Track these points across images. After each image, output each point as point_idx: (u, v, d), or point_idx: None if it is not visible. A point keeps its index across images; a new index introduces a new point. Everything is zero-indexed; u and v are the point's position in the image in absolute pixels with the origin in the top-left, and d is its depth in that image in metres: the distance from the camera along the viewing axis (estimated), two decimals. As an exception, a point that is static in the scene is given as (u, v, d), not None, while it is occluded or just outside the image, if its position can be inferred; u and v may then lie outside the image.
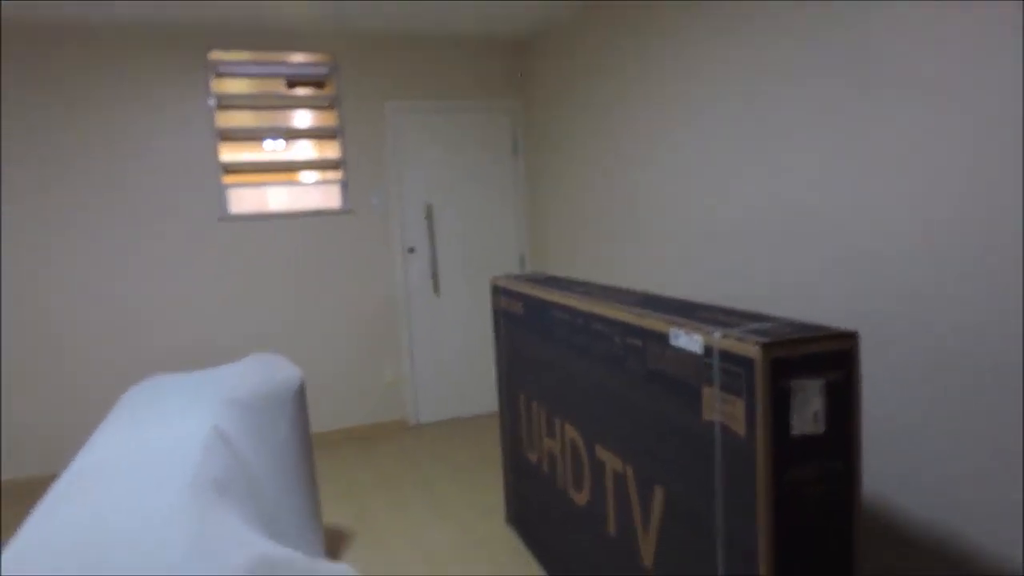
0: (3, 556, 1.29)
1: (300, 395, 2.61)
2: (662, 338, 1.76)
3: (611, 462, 2.09)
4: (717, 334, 1.55)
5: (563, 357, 2.38)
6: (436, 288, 4.54)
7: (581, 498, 2.33)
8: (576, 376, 2.29)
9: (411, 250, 4.48)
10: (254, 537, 1.31)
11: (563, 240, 4.39)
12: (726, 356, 1.52)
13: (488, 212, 4.66)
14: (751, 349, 1.44)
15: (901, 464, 2.33)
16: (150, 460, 1.66)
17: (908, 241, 2.23)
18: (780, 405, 1.43)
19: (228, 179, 4.13)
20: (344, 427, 4.43)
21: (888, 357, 2.31)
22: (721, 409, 1.55)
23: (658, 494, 1.84)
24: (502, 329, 2.99)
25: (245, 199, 4.22)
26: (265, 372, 2.53)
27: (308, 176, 4.37)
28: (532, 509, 2.82)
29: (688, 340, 1.66)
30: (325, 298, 4.34)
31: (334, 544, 3.05)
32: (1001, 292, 1.97)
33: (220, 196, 4.08)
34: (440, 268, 4.54)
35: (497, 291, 3.00)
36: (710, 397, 1.59)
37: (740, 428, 1.49)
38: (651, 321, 1.81)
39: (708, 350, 1.58)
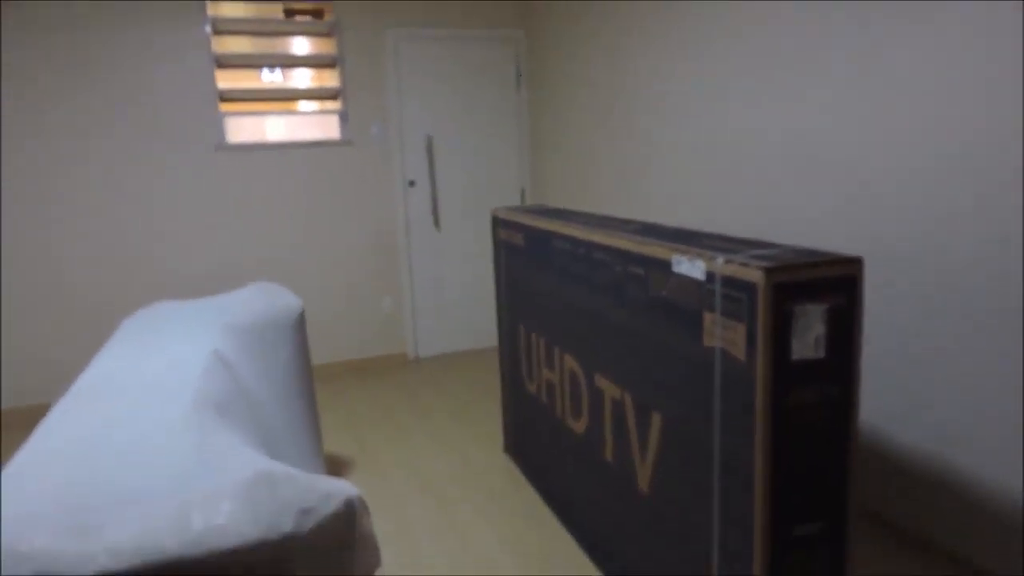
0: (5, 468, 1.30)
1: (300, 323, 2.61)
2: (664, 265, 1.75)
3: (609, 390, 2.11)
4: (720, 260, 1.54)
5: (563, 288, 2.37)
6: (436, 222, 4.50)
7: (579, 426, 2.35)
8: (576, 306, 2.29)
9: (411, 183, 4.43)
10: (255, 455, 1.32)
11: (565, 174, 4.33)
12: (728, 282, 1.51)
13: (489, 145, 4.59)
14: (754, 274, 1.42)
15: (900, 394, 2.34)
16: (151, 381, 1.67)
17: (917, 170, 2.19)
18: (781, 330, 1.43)
19: (225, 107, 4.05)
20: (343, 360, 4.47)
21: (893, 287, 2.31)
22: (722, 335, 1.55)
23: (656, 421, 1.86)
24: (502, 261, 2.97)
25: (243, 129, 4.15)
26: (266, 300, 2.53)
27: (306, 106, 4.29)
28: (530, 438, 2.86)
29: (690, 266, 1.64)
30: (324, 230, 4.31)
31: (334, 472, 3.11)
32: (1008, 225, 1.94)
33: (217, 125, 4.01)
34: (440, 201, 4.50)
35: (498, 223, 2.98)
36: (711, 323, 1.58)
37: (740, 353, 1.49)
38: (653, 248, 1.79)
39: (710, 276, 1.57)
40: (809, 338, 1.45)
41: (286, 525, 1.08)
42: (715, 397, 1.59)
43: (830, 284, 1.45)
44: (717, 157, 3.03)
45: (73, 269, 3.87)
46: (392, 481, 3.00)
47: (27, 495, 1.15)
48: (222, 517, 1.07)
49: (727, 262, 1.51)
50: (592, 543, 2.33)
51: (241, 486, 1.12)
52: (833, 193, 2.48)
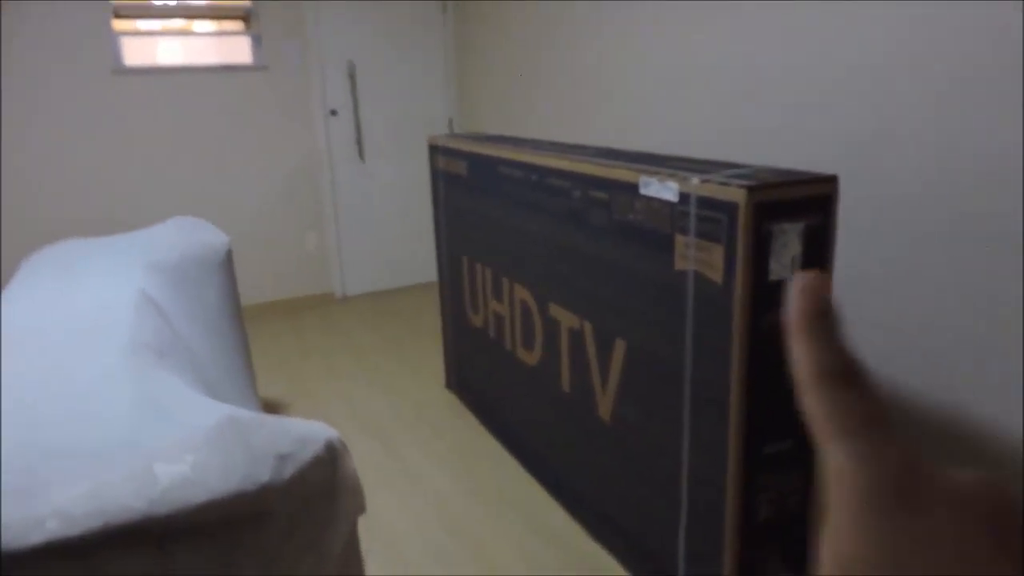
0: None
1: (228, 261, 2.42)
2: (631, 188, 1.69)
3: (567, 320, 2.06)
4: (695, 180, 1.49)
5: (513, 216, 2.28)
6: (361, 153, 4.28)
7: (532, 358, 2.31)
8: (528, 235, 2.21)
9: (333, 112, 4.17)
10: (212, 401, 1.20)
11: (497, 102, 4.18)
12: (705, 202, 1.46)
13: (414, 71, 4.36)
14: (735, 193, 1.38)
15: (876, 316, 2.40)
16: (76, 326, 1.49)
17: (892, 81, 2.19)
18: (760, 250, 1.40)
19: (120, 25, 3.65)
20: (268, 300, 4.25)
21: (864, 207, 2.34)
22: (696, 257, 1.51)
23: (619, 348, 1.83)
24: (442, 191, 2.85)
25: (143, 51, 3.76)
26: (189, 236, 2.32)
27: (216, 27, 3.92)
28: (475, 373, 2.81)
29: (661, 188, 1.58)
30: (240, 163, 4.02)
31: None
32: (998, 135, 1.97)
33: (112, 45, 3.61)
34: (364, 132, 4.27)
35: (436, 151, 2.83)
36: (684, 246, 1.54)
37: (717, 275, 1.46)
38: (619, 171, 1.72)
39: (684, 197, 1.52)
40: (786, 258, 1.43)
41: (263, 474, 0.98)
42: (687, 321, 1.56)
43: (807, 203, 1.43)
44: (669, 80, 2.97)
45: (-47, 208, 3.47)
46: (332, 421, 2.89)
47: (-52, 457, 1.00)
48: (190, 469, 0.95)
49: (704, 182, 1.46)
50: (546, 473, 2.32)
51: (208, 435, 1.01)
52: (802, 107, 2.47)
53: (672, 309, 1.61)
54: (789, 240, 1.42)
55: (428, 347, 3.64)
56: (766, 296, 1.43)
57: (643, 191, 1.64)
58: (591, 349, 1.95)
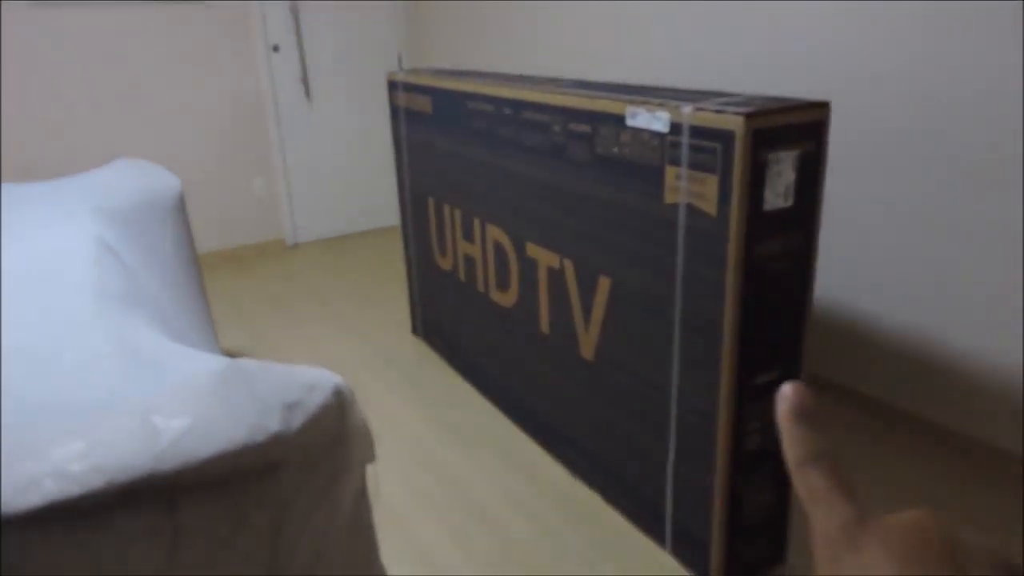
0: None
1: (180, 205, 2.29)
2: (616, 120, 1.64)
3: (545, 259, 2.03)
4: (688, 109, 1.45)
5: (484, 153, 2.21)
6: (307, 92, 4.08)
7: (507, 299, 2.28)
8: (501, 172, 2.15)
9: (275, 48, 3.95)
10: (188, 348, 1.12)
11: (452, 34, 4.02)
12: (698, 132, 1.43)
13: (360, 3, 4.14)
14: (732, 121, 1.35)
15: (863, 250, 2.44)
16: (35, 277, 1.37)
17: (882, 6, 2.17)
18: (756, 180, 1.38)
19: (35, -47, 3.33)
20: (214, 249, 4.08)
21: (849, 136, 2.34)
22: (688, 189, 1.48)
23: (603, 286, 1.81)
24: (403, 129, 2.74)
25: (61, -20, 3.46)
26: (138, 180, 2.18)
27: (140, -46, 3.62)
28: (444, 318, 2.76)
29: (650, 118, 1.54)
30: (178, 104, 3.78)
31: (231, 366, 2.87)
32: (997, 61, 1.97)
33: (28, -25, 3.30)
34: (310, 69, 4.07)
35: (396, 87, 2.71)
36: (675, 178, 1.51)
37: (710, 207, 1.44)
38: (603, 103, 1.67)
39: (676, 127, 1.48)
40: (780, 187, 1.41)
41: (272, 424, 0.92)
42: (678, 255, 1.55)
43: (800, 130, 1.41)
44: (634, 7, 2.89)
45: None
46: (298, 372, 2.81)
47: (-85, 420, 0.91)
48: (194, 421, 0.89)
49: (698, 111, 1.43)
50: (524, 414, 2.32)
51: (210, 384, 0.94)
52: (785, 33, 2.43)
53: (661, 243, 1.59)
54: (784, 169, 1.40)
55: (391, 293, 3.57)
56: (761, 226, 1.42)
57: (630, 123, 1.60)
58: (572, 288, 1.93)
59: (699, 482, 1.64)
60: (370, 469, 2.12)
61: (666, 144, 1.52)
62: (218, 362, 0.99)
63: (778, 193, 1.41)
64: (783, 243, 1.46)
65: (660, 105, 1.52)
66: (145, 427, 0.88)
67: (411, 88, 2.59)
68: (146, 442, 0.86)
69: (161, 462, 0.86)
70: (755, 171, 1.37)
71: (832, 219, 2.32)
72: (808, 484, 0.29)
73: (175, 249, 2.19)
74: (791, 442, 0.30)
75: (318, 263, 4.03)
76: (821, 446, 0.29)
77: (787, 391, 0.30)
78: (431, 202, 2.65)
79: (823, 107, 1.42)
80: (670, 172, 1.52)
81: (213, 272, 3.97)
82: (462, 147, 2.33)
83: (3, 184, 2.09)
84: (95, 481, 0.83)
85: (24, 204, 1.86)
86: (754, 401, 1.55)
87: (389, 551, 1.86)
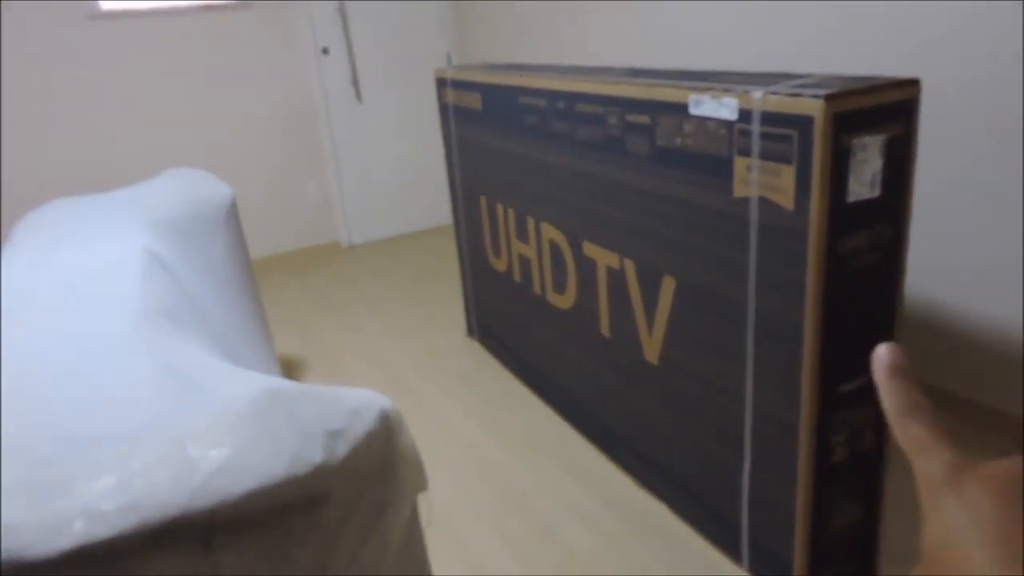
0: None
1: (233, 213, 2.26)
2: (678, 109, 1.52)
3: (604, 259, 1.92)
4: (758, 94, 1.32)
5: (537, 149, 2.12)
6: (358, 94, 4.06)
7: (564, 301, 2.18)
8: (555, 169, 2.05)
9: (325, 51, 3.93)
10: (245, 371, 1.07)
11: (496, 31, 3.94)
12: (771, 119, 1.30)
13: (408, 5, 4.09)
14: (810, 105, 1.22)
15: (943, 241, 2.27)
16: (80, 293, 1.35)
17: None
18: (838, 168, 1.25)
19: (91, -32, 3.39)
20: (271, 254, 4.10)
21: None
22: (760, 181, 1.36)
23: (667, 287, 1.69)
24: (453, 128, 2.66)
25: (116, -6, 3.51)
26: (189, 189, 2.16)
27: (190, -37, 3.65)
28: (500, 320, 2.68)
29: (716, 106, 1.42)
30: (229, 110, 3.81)
31: (289, 374, 2.86)
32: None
33: (84, -10, 3.36)
34: (360, 71, 4.04)
35: (444, 84, 2.64)
36: (745, 169, 1.39)
37: (787, 200, 1.31)
38: (663, 91, 1.55)
39: (745, 114, 1.36)
40: (866, 175, 1.28)
41: (315, 454, 0.85)
42: (750, 253, 1.42)
43: (888, 112, 1.27)
44: (679, -4, 2.75)
45: (-66, 175, 3.28)
46: (353, 375, 2.78)
47: (-49, 453, 0.87)
48: (231, 452, 0.83)
49: (769, 95, 1.30)
50: (585, 420, 2.22)
51: (247, 411, 0.88)
52: (846, 15, 2.27)
53: (730, 240, 1.46)
54: (870, 155, 1.27)
55: (445, 294, 3.51)
56: (844, 220, 1.28)
57: (693, 111, 1.48)
58: (634, 289, 1.82)
59: (778, 496, 1.52)
60: (421, 495, 2.05)
61: (734, 133, 1.39)
62: (257, 386, 0.93)
63: (863, 182, 1.28)
64: (869, 237, 1.33)
65: (727, 91, 1.39)
66: (180, 459, 0.82)
67: (460, 84, 2.51)
68: (181, 476, 0.80)
69: (196, 499, 0.79)
70: (837, 159, 1.24)
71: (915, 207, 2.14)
72: (909, 434, 0.30)
73: (228, 257, 2.17)
74: (890, 396, 0.31)
75: (372, 265, 4.01)
76: (920, 398, 0.31)
77: (882, 351, 0.32)
78: (483, 201, 2.57)
79: (913, 85, 1.28)
80: (739, 163, 1.40)
81: (269, 277, 3.99)
82: (513, 143, 2.24)
83: (60, 199, 2.10)
84: (127, 521, 0.77)
85: (80, 219, 1.86)
86: (838, 411, 1.42)
87: (441, 561, 1.79)
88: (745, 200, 1.41)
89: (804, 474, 1.44)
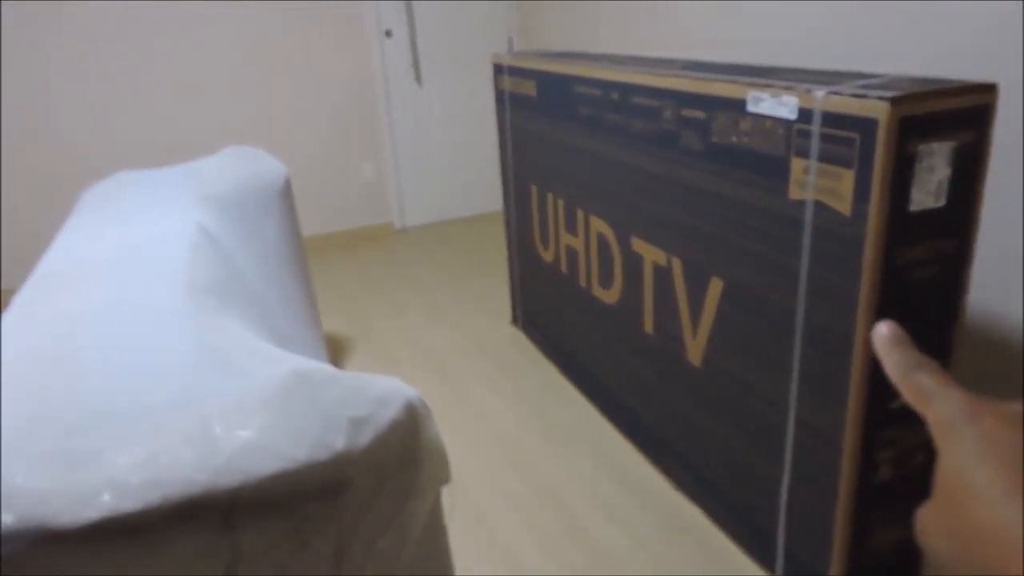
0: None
1: (287, 192, 2.30)
2: (735, 105, 1.47)
3: (651, 255, 1.88)
4: (820, 92, 1.26)
5: (590, 140, 2.08)
6: (418, 77, 4.07)
7: (610, 296, 2.14)
8: (607, 161, 2.01)
9: (388, 33, 3.95)
10: (279, 351, 1.08)
11: (561, 17, 3.89)
12: (833, 119, 1.24)
13: (472, -13, 4.08)
14: (875, 107, 1.15)
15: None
16: (130, 262, 1.38)
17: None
18: (901, 175, 1.18)
19: (165, -55, 3.47)
20: (325, 232, 4.17)
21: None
22: (818, 184, 1.30)
23: (714, 288, 1.65)
24: (508, 114, 2.64)
25: (188, -29, 3.59)
26: (245, 167, 2.20)
27: (260, -58, 3.71)
28: (544, 311, 2.66)
29: (775, 104, 1.36)
30: (291, 90, 3.86)
31: (333, 353, 2.91)
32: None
33: (158, -34, 3.44)
34: (421, 55, 4.05)
35: (501, 71, 2.62)
36: (802, 171, 1.33)
37: (844, 206, 1.25)
38: (721, 86, 1.50)
39: (805, 114, 1.30)
40: (931, 184, 1.21)
41: (337, 440, 0.85)
42: (802, 258, 1.37)
43: (958, 117, 1.20)
44: (747, -13, 2.65)
45: (20, 141, 3.43)
46: (396, 359, 2.81)
47: (-5, 416, 0.90)
48: (255, 434, 0.84)
49: (832, 94, 1.24)
50: (624, 417, 2.19)
51: (274, 393, 0.88)
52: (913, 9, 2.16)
53: (783, 244, 1.41)
54: (936, 163, 1.20)
55: (492, 281, 3.51)
56: (904, 229, 1.22)
57: (751, 108, 1.42)
58: (680, 288, 1.77)
59: (818, 510, 1.47)
60: (445, 489, 2.06)
61: (793, 133, 1.34)
62: (287, 369, 0.93)
63: (928, 191, 1.21)
64: (931, 249, 1.26)
65: (787, 88, 1.33)
66: (205, 437, 0.83)
67: (516, 71, 2.48)
68: (205, 454, 0.81)
69: (219, 477, 0.80)
70: (901, 165, 1.17)
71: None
72: (920, 384, 0.31)
73: (280, 235, 2.21)
74: (894, 360, 0.32)
75: (423, 248, 4.04)
76: (923, 358, 0.32)
77: (882, 327, 0.34)
78: (534, 190, 2.55)
79: (990, 90, 1.20)
80: (796, 164, 1.34)
81: (320, 256, 4.05)
82: (566, 133, 2.21)
83: (121, 172, 2.17)
84: (152, 495, 0.78)
85: (137, 192, 1.91)
86: (886, 428, 1.36)
87: (468, 550, 1.79)
88: (800, 203, 1.35)
89: (846, 490, 1.39)
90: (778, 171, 1.39)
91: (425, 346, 2.90)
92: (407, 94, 4.08)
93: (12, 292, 3.60)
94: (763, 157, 1.42)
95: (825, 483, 1.43)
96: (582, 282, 2.31)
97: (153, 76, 3.57)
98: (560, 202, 2.36)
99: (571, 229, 2.32)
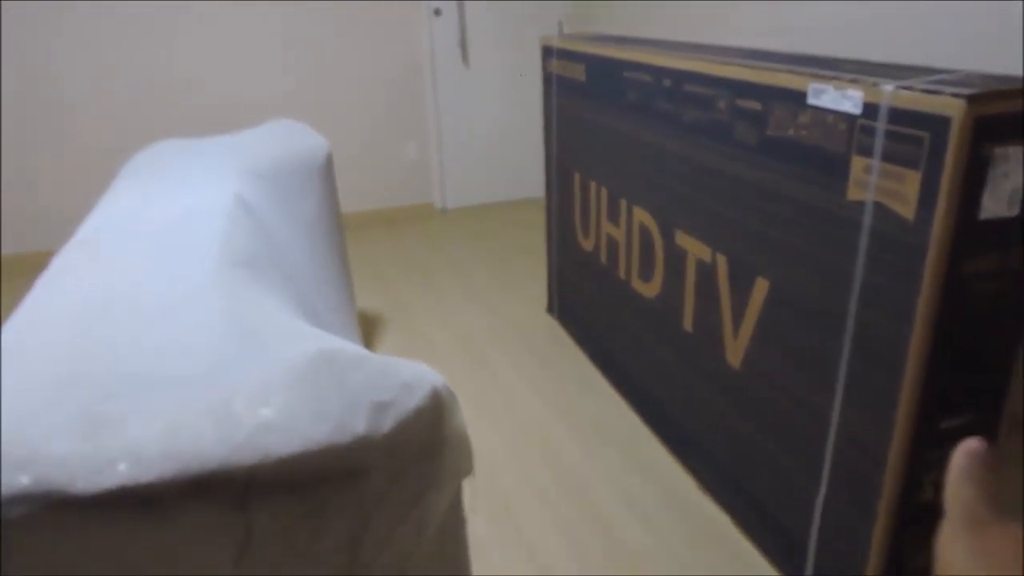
0: (4, 329, 1.04)
1: (328, 167, 2.28)
2: (795, 97, 1.40)
3: (696, 250, 1.81)
4: (888, 87, 1.19)
5: (637, 128, 2.02)
6: (465, 57, 4.03)
7: (649, 290, 2.09)
8: (654, 151, 1.94)
9: (437, 12, 3.91)
10: (308, 328, 1.05)
11: (612, 1, 3.79)
12: (900, 116, 1.17)
13: (526, -32, 4.01)
14: (948, 104, 1.08)
15: None
16: (166, 231, 1.38)
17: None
18: (972, 180, 1.11)
19: (222, -86, 3.47)
20: (366, 209, 4.16)
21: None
22: (880, 185, 1.23)
23: (760, 288, 1.58)
24: (554, 98, 2.59)
25: (244, -59, 3.59)
26: (287, 141, 2.19)
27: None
28: (581, 300, 2.61)
29: (838, 97, 1.29)
30: (338, 66, 3.85)
31: (367, 330, 2.90)
32: None
33: (214, -65, 3.45)
34: (469, 35, 4.00)
35: (549, 53, 2.56)
36: (864, 170, 1.26)
37: (907, 209, 1.18)
38: (780, 76, 1.43)
39: (870, 109, 1.22)
40: (1004, 190, 1.13)
41: (358, 424, 0.83)
42: (858, 262, 1.30)
43: (1040, 120, 1.11)
44: (812, -24, 2.54)
45: (72, 106, 3.48)
46: (429, 339, 2.79)
47: (23, 379, 0.90)
48: (276, 413, 0.81)
49: (901, 89, 1.16)
50: (655, 414, 2.14)
51: (298, 372, 0.86)
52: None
53: (838, 247, 1.34)
54: (1012, 168, 1.11)
55: (530, 267, 3.46)
56: (973, 238, 1.14)
57: (812, 101, 1.35)
58: (724, 286, 1.71)
59: (854, 526, 1.40)
60: (466, 481, 2.03)
61: (856, 129, 1.26)
62: (313, 348, 0.91)
63: (1000, 199, 1.13)
64: (999, 261, 1.18)
65: (852, 81, 1.26)
66: (226, 413, 0.81)
67: (564, 54, 2.42)
68: (224, 430, 0.79)
69: (237, 454, 0.78)
70: (973, 169, 1.10)
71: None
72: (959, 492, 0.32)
73: (318, 210, 2.19)
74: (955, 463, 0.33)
75: (463, 230, 4.01)
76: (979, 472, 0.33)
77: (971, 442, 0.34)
78: (577, 177, 2.50)
79: (1076, 91, 1.11)
80: (858, 163, 1.27)
81: (359, 232, 4.06)
82: (614, 120, 2.15)
83: (165, 141, 2.17)
84: (168, 468, 0.77)
85: (179, 162, 1.91)
86: (935, 447, 1.28)
87: (492, 540, 1.77)
88: (859, 204, 1.28)
89: (886, 509, 1.32)
90: (837, 169, 1.31)
91: (459, 329, 2.87)
92: (454, 74, 4.04)
93: (52, 255, 3.68)
94: (821, 153, 1.35)
95: (864, 499, 1.36)
96: (621, 274, 2.25)
97: (206, 49, 3.59)
98: (603, 190, 2.30)
99: (613, 219, 2.26)
